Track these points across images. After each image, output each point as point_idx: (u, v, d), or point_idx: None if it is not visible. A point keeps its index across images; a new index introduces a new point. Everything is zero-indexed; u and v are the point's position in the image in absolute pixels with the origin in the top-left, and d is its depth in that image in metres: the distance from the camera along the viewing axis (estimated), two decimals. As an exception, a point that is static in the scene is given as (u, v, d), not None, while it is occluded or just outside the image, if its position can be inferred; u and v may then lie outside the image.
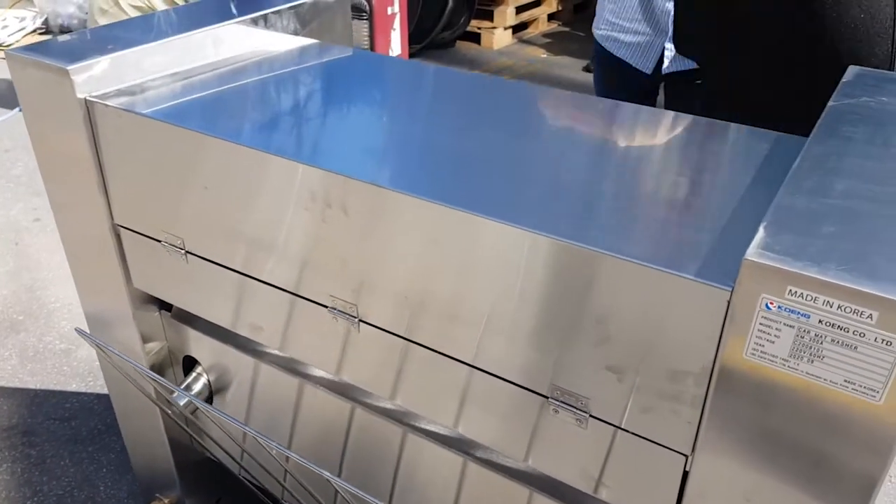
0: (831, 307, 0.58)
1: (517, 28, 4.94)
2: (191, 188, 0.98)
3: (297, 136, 0.93)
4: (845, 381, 0.60)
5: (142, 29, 1.19)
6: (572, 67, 4.50)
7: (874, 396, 0.59)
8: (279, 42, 1.26)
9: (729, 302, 0.63)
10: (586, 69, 4.40)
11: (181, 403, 1.22)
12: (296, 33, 1.30)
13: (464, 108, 1.04)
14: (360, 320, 0.90)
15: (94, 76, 1.02)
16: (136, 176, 1.04)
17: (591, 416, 0.78)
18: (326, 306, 0.93)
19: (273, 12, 1.25)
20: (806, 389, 0.62)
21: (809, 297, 0.59)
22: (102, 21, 3.88)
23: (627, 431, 0.76)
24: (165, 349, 1.27)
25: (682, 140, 0.94)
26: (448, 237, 0.78)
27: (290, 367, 1.12)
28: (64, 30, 4.75)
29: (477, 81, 1.18)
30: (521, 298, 0.76)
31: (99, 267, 1.18)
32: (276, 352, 1.13)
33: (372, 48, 3.67)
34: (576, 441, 0.81)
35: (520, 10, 4.87)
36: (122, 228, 1.11)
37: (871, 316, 0.57)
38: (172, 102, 1.03)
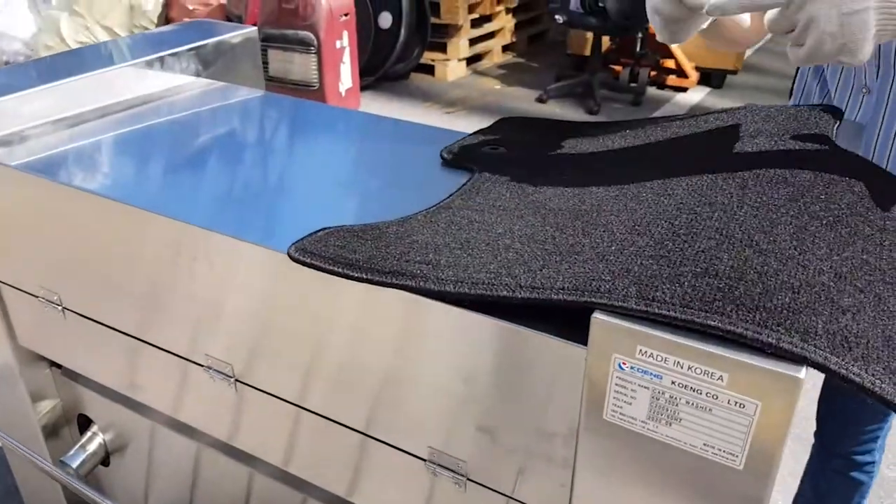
0: (682, 368, 0.55)
1: (471, 60, 4.96)
2: (62, 242, 0.93)
3: (166, 186, 0.89)
4: (704, 444, 0.57)
5: (27, 74, 1.14)
6: (526, 98, 4.52)
7: (734, 461, 0.56)
8: (177, 85, 1.22)
9: (586, 361, 0.60)
10: (539, 100, 4.42)
11: (73, 466, 1.15)
12: (198, 75, 1.26)
13: (356, 158, 1.01)
14: (237, 380, 0.85)
15: (-38, 126, 0.97)
16: (11, 229, 0.99)
17: (468, 479, 0.73)
18: (202, 365, 0.87)
19: (170, 54, 1.21)
20: (669, 452, 0.59)
21: (660, 358, 0.55)
22: (47, 59, 3.82)
23: (505, 495, 0.72)
24: (59, 407, 1.20)
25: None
26: (314, 294, 0.74)
27: (185, 428, 1.06)
28: (11, 68, 4.66)
29: (384, 127, 1.14)
30: (384, 355, 0.72)
31: (-19, 324, 1.11)
32: (168, 413, 1.07)
33: (321, 82, 3.65)
34: (460, 505, 0.76)
35: (473, 41, 4.90)
36: (1, 284, 1.05)
37: (721, 377, 0.53)
38: (49, 152, 0.99)
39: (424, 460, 0.75)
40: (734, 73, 4.39)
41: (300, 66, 3.60)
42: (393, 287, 0.66)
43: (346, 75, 3.75)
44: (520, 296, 0.60)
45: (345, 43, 3.68)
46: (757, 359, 0.52)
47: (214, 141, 1.03)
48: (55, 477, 1.15)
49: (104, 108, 1.11)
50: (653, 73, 4.42)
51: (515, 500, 0.71)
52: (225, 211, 0.83)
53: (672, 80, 4.45)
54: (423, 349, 0.70)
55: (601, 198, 0.76)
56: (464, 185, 0.85)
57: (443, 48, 4.76)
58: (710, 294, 0.56)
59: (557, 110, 4.29)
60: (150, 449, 1.13)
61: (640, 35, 4.24)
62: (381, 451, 0.78)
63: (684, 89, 4.44)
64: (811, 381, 1.36)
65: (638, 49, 4.33)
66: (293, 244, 0.71)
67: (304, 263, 0.69)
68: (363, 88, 4.11)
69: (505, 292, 0.61)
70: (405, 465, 0.77)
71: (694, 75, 4.38)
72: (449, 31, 4.73)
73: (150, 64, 1.19)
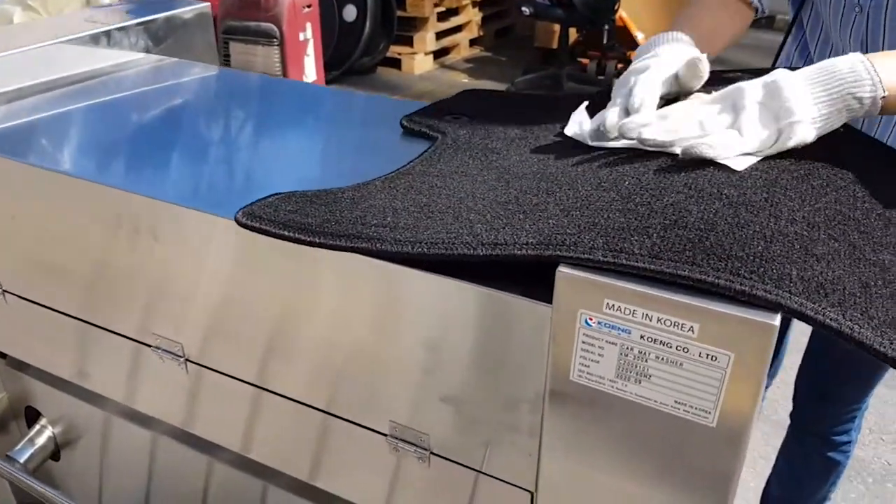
0: (650, 321, 0.52)
1: (438, 53, 4.93)
2: (-1, 219, 0.88)
3: (108, 157, 0.84)
4: (676, 402, 0.54)
5: (-36, 48, 1.08)
6: (494, 91, 4.50)
7: (707, 418, 0.53)
8: (125, 61, 1.16)
9: (552, 319, 0.57)
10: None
11: (21, 462, 1.10)
12: (147, 51, 1.21)
13: (313, 128, 0.97)
14: (188, 360, 0.81)
15: None
16: (-56, 209, 0.93)
17: (432, 453, 0.70)
18: (150, 346, 0.83)
19: (118, 29, 1.16)
20: (639, 412, 0.56)
21: (628, 311, 0.52)
22: None
23: (471, 469, 0.69)
24: (5, 400, 1.14)
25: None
26: (265, 264, 0.70)
27: (138, 417, 1.01)
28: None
29: (342, 99, 1.11)
30: (342, 325, 0.68)
31: (-83, 313, 1.05)
32: (120, 401, 1.02)
33: (284, 75, 3.59)
34: (427, 486, 0.72)
35: (440, 35, 4.87)
36: (-64, 268, 0.99)
37: (692, 329, 0.51)
38: (-15, 126, 0.93)
39: (385, 435, 0.71)
40: (699, 64, 4.41)
41: (263, 58, 3.53)
42: (348, 250, 0.62)
43: (311, 68, 3.69)
44: (481, 253, 0.57)
45: (308, 35, 3.62)
46: (729, 307, 0.49)
47: (164, 115, 0.98)
48: (1, 473, 1.09)
49: (46, 84, 1.06)
50: (620, 65, 4.42)
51: (481, 472, 0.68)
52: (171, 180, 0.78)
53: (638, 71, 4.46)
54: (380, 316, 0.66)
55: (566, 161, 0.73)
56: (425, 151, 0.82)
57: (409, 42, 4.72)
58: (679, 244, 0.53)
59: (525, 103, 4.28)
60: (102, 441, 1.08)
61: (606, 27, 4.25)
62: (341, 428, 0.74)
63: (651, 81, 4.45)
64: (788, 361, 1.35)
65: (605, 41, 4.34)
66: (241, 209, 0.67)
67: (252, 228, 0.65)
68: (329, 82, 4.05)
69: (465, 250, 0.58)
70: (366, 442, 0.73)
71: (660, 67, 4.40)
72: (415, 24, 4.69)
73: (95, 39, 1.14)
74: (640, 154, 0.69)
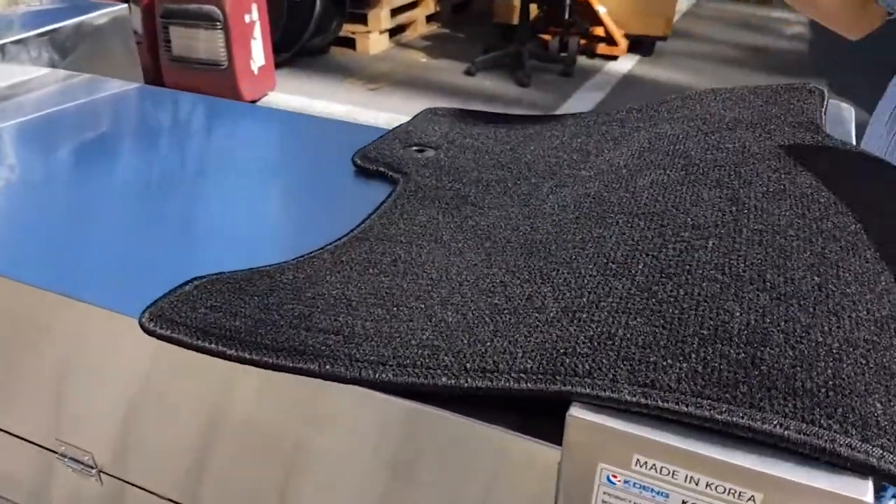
0: (697, 485, 0.39)
1: (394, 31, 4.72)
2: None
3: (-12, 224, 0.68)
4: (726, 578, 0.41)
5: None
6: (454, 71, 4.33)
7: None
8: (23, 80, 0.98)
9: (560, 469, 0.43)
10: (467, 73, 4.24)
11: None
12: (53, 65, 1.03)
13: (248, 170, 0.81)
14: (101, 471, 0.66)
15: None
16: None
17: None
18: (56, 453, 0.67)
19: (13, 42, 0.98)
20: (675, 581, 0.43)
21: (666, 471, 0.39)
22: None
23: None
24: None
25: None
26: (178, 365, 0.55)
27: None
28: None
29: (285, 125, 0.95)
30: (278, 444, 0.54)
31: None
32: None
33: (230, 60, 3.36)
34: None
35: (395, 12, 4.65)
36: None
37: (752, 499, 0.38)
38: None
39: (349, 572, 0.58)
40: (663, 39, 4.30)
41: (206, 43, 3.30)
42: (288, 371, 0.48)
43: (258, 52, 3.46)
44: (465, 385, 0.43)
45: (254, 17, 3.39)
46: (802, 472, 0.37)
47: (62, 158, 0.82)
48: None
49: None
50: (583, 41, 4.29)
51: None
52: (66, 258, 0.63)
53: (602, 48, 4.33)
54: (326, 438, 0.52)
55: (558, 221, 0.59)
56: (383, 203, 0.67)
57: (363, 20, 4.50)
58: (729, 372, 0.40)
59: (487, 83, 4.12)
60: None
61: (567, 2, 4.09)
62: (293, 560, 0.60)
63: (615, 58, 4.33)
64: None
65: (566, 16, 4.18)
66: (147, 309, 0.52)
67: (161, 337, 0.50)
68: (279, 65, 3.83)
69: (445, 379, 0.44)
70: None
71: (623, 43, 4.28)
72: (369, 0, 4.47)
73: (-14, 54, 0.95)
74: (646, 209, 0.56)
